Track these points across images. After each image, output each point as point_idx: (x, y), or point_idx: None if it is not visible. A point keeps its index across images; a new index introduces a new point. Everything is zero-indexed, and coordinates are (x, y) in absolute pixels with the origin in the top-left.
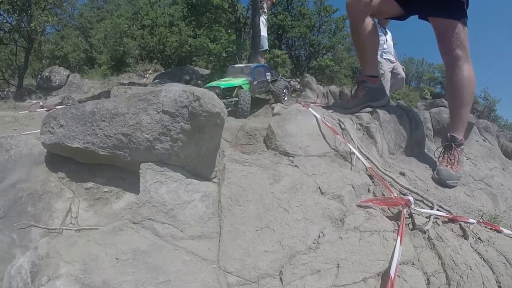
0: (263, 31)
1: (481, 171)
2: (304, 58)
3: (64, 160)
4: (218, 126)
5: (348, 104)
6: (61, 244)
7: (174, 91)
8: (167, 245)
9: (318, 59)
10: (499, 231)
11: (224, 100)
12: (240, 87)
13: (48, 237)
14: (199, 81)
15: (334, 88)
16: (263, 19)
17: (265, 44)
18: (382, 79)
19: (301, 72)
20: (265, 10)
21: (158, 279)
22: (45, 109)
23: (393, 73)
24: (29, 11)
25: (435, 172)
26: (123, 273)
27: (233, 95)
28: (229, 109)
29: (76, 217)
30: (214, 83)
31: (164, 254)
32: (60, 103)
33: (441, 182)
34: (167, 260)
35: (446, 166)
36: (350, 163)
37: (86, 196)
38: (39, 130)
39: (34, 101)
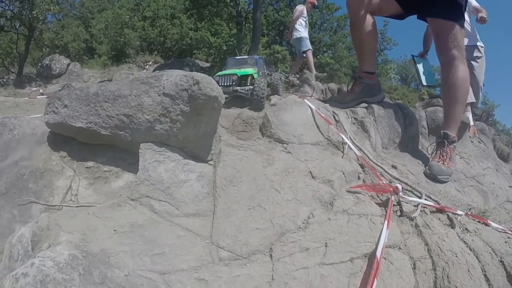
0: (304, 33)
1: (474, 169)
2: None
3: (66, 140)
4: (216, 110)
5: (345, 99)
6: (61, 217)
7: (175, 75)
8: (163, 221)
9: (318, 57)
10: (487, 224)
11: (239, 88)
12: (252, 76)
13: (49, 212)
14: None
15: (333, 85)
16: (302, 21)
17: (307, 45)
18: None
19: (301, 68)
20: (304, 14)
21: (153, 251)
22: (45, 96)
23: None
24: None
25: (427, 167)
26: (120, 243)
27: (248, 84)
28: (242, 97)
29: (76, 194)
30: (228, 71)
31: (160, 229)
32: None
33: (433, 177)
34: (163, 234)
35: (438, 162)
36: (342, 152)
37: (86, 174)
38: (40, 115)
39: (34, 88)
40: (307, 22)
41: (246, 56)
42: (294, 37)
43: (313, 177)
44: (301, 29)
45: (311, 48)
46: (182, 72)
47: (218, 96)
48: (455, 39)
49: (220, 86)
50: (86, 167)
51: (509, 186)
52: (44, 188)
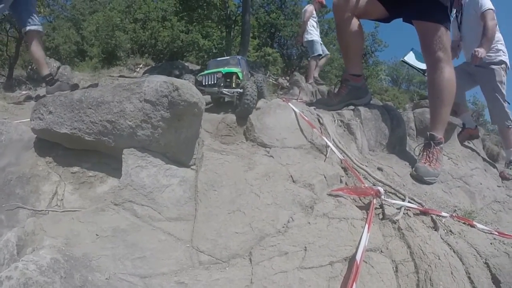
0: (315, 35)
1: (461, 170)
2: (295, 57)
3: (52, 146)
4: (196, 115)
5: (331, 102)
6: (46, 222)
7: (156, 81)
8: (145, 225)
9: (309, 59)
10: (472, 226)
11: (225, 90)
12: (237, 75)
13: (35, 217)
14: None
15: (323, 88)
16: (313, 23)
17: (317, 50)
18: None
19: (292, 71)
20: (314, 14)
21: (134, 255)
22: (35, 99)
23: None
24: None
25: (413, 169)
26: (102, 248)
27: (233, 83)
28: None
29: (62, 199)
30: (212, 70)
31: (141, 233)
32: None
33: (419, 178)
34: (144, 238)
35: (425, 163)
36: (325, 155)
37: (72, 180)
38: (28, 120)
39: (24, 92)
40: (318, 23)
41: (228, 57)
42: (305, 39)
43: (293, 181)
44: (313, 31)
45: (321, 53)
46: (163, 78)
47: (198, 102)
48: (441, 41)
49: (204, 86)
50: (72, 172)
51: (498, 186)
52: (30, 193)
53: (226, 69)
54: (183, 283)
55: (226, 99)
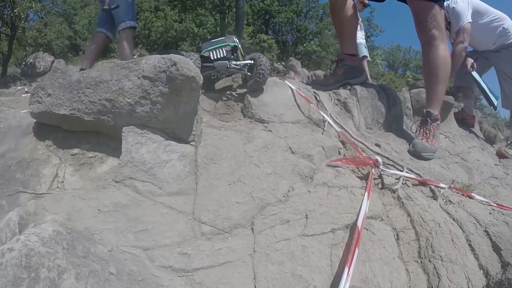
0: (360, 37)
1: (458, 147)
2: (290, 44)
3: (51, 129)
4: (194, 90)
5: (327, 82)
6: (47, 201)
7: (154, 58)
8: (146, 200)
9: (304, 45)
10: (471, 197)
11: (235, 63)
12: (239, 49)
13: (36, 199)
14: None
15: (319, 72)
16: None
17: (362, 52)
18: None
19: (287, 57)
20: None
21: (136, 228)
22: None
23: None
24: None
25: (410, 145)
26: (104, 222)
27: (239, 57)
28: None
29: (63, 181)
30: (217, 45)
31: (143, 208)
32: None
33: (416, 154)
34: (146, 212)
35: (422, 139)
36: (323, 129)
37: (72, 161)
38: (26, 110)
39: (19, 87)
40: (362, 24)
41: (223, 37)
42: None
43: (292, 152)
44: (358, 33)
45: (367, 55)
46: (160, 55)
47: (195, 76)
48: (435, 19)
49: (212, 61)
50: (71, 154)
51: (495, 164)
52: (31, 177)
53: (232, 43)
54: (186, 253)
55: (223, 76)
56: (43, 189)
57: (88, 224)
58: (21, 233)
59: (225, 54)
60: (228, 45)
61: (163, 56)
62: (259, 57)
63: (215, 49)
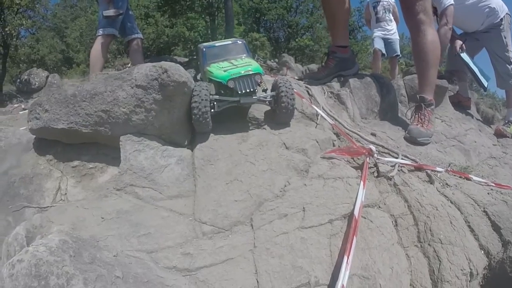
0: (392, 32)
1: (455, 130)
2: (283, 40)
3: (51, 144)
4: (186, 95)
5: (319, 75)
6: (52, 214)
7: (145, 67)
8: (147, 205)
9: (297, 40)
10: (468, 179)
11: (263, 96)
12: (260, 74)
13: (41, 213)
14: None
15: (313, 66)
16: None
17: (396, 50)
18: None
19: (280, 53)
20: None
21: (139, 232)
22: (27, 110)
23: None
24: (3, 16)
25: (406, 131)
26: (108, 229)
27: (264, 88)
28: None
29: (66, 193)
30: (241, 69)
31: (145, 213)
32: None
33: (412, 140)
34: (148, 217)
35: (417, 125)
36: (316, 122)
37: (73, 173)
38: (24, 127)
39: (16, 105)
40: (379, 17)
41: (229, 41)
42: None
43: (286, 147)
44: (390, 26)
45: (377, 48)
46: (151, 63)
47: (187, 81)
48: (422, 4)
49: (239, 94)
50: (72, 167)
51: (493, 144)
52: (34, 192)
53: (255, 67)
54: (189, 253)
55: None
56: (47, 202)
57: (93, 232)
58: (29, 245)
59: (255, 88)
60: (259, 73)
61: (154, 64)
62: (280, 86)
63: (241, 78)
